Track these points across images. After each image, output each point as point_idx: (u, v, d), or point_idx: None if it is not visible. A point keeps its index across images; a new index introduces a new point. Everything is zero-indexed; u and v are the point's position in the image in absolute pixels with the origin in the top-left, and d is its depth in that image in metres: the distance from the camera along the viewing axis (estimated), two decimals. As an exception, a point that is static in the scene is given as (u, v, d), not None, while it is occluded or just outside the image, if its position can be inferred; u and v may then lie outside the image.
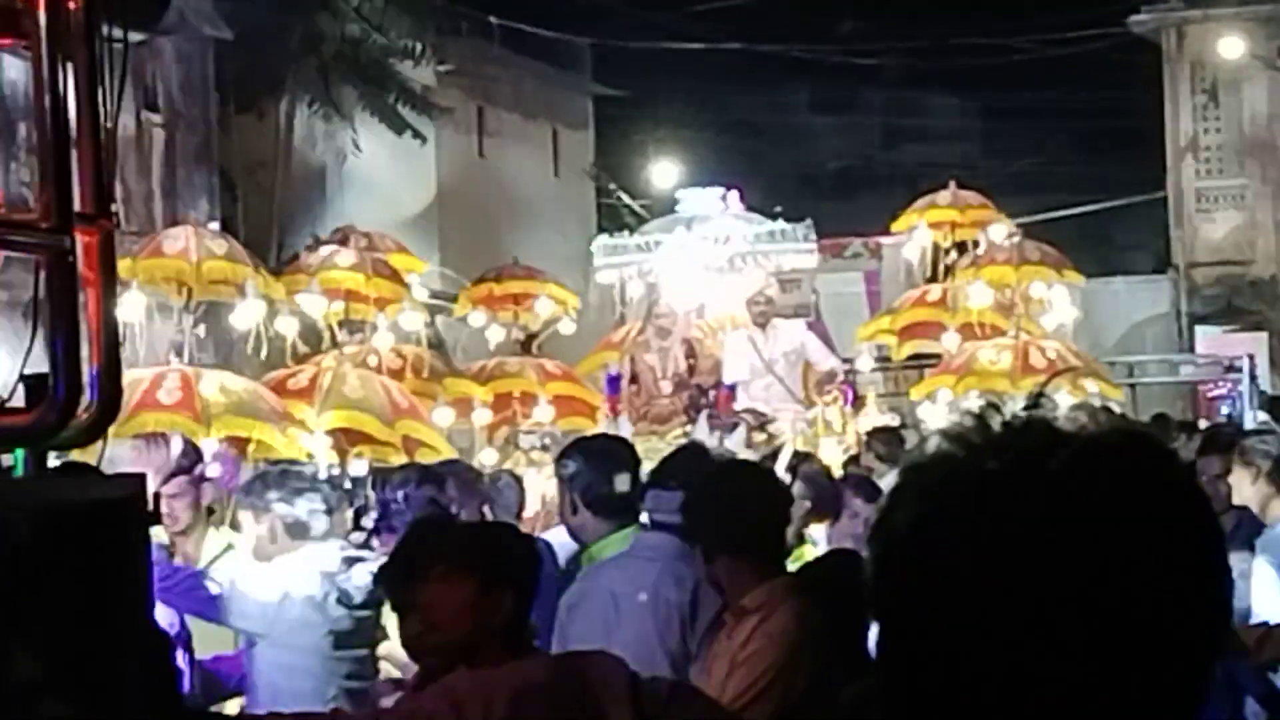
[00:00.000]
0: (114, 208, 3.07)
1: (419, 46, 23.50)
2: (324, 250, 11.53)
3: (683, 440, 9.79)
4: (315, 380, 9.81)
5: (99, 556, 2.69)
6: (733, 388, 11.86)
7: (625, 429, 10.85)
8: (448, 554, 3.58)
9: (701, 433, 10.34)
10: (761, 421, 11.65)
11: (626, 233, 14.28)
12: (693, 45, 28.30)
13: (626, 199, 28.38)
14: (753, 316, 12.72)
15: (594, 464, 5.22)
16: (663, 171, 27.56)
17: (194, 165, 20.73)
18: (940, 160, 23.49)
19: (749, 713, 4.18)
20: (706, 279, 13.31)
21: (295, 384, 9.84)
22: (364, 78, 23.17)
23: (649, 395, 11.82)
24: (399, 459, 9.35)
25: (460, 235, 24.00)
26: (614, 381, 12.09)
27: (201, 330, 9.56)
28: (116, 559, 2.73)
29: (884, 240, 19.91)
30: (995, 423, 1.23)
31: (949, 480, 1.22)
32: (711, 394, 11.61)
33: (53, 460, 3.46)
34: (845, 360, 13.86)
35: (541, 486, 9.46)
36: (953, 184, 14.95)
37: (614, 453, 5.42)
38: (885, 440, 10.66)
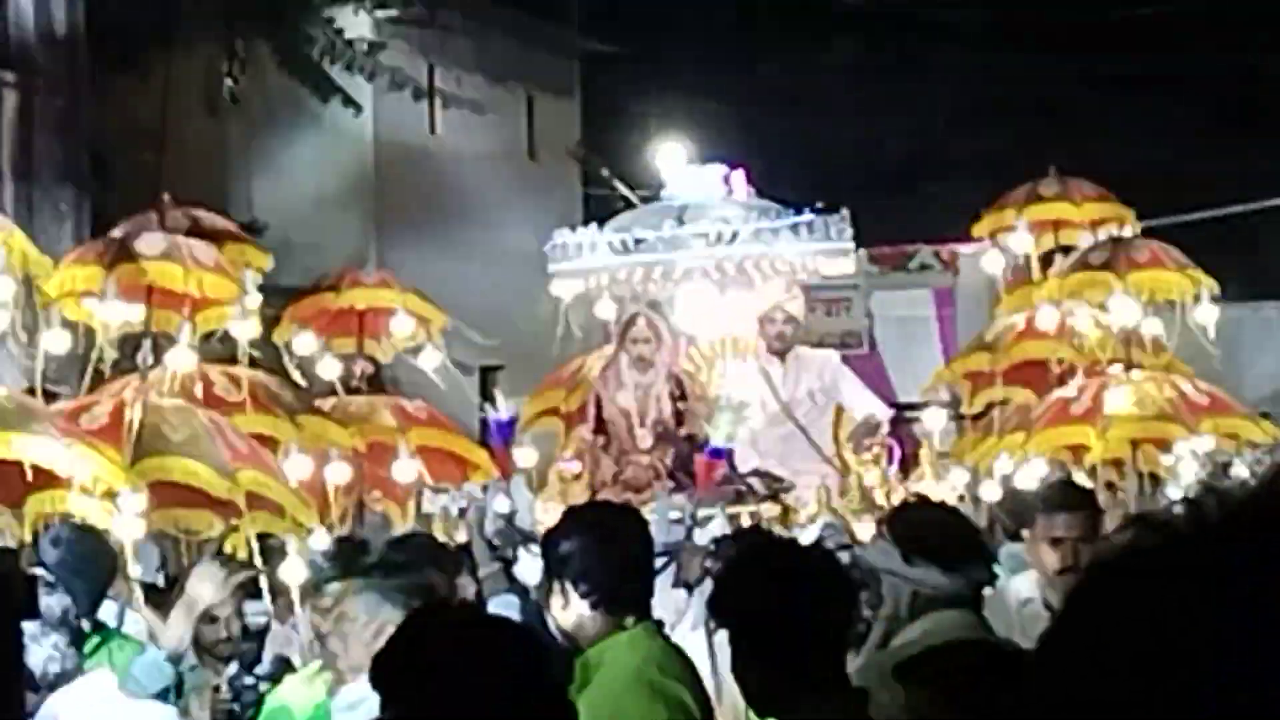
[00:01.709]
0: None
1: (352, -15, 23.63)
2: (118, 231, 11.11)
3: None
4: (119, 415, 9.44)
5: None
6: (720, 453, 11.25)
7: (522, 499, 10.28)
8: None
9: (658, 529, 9.00)
10: (775, 489, 11.30)
11: (594, 227, 13.50)
12: (712, -11, 28.45)
13: (622, 188, 28.39)
14: (768, 341, 12.34)
15: (592, 542, 5.23)
16: (669, 153, 27.58)
17: (55, 137, 20.78)
18: (1034, 145, 23.48)
19: None
20: (705, 291, 12.61)
21: (92, 421, 9.45)
22: (279, 25, 23.22)
23: (621, 450, 11.46)
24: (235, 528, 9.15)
25: (404, 234, 24.08)
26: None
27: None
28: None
29: (960, 248, 19.97)
30: (1212, 506, 1.28)
31: (1153, 584, 1.25)
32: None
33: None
34: (907, 407, 13.50)
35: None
36: (1053, 170, 14.93)
37: (618, 527, 5.43)
38: (908, 521, 9.73)
